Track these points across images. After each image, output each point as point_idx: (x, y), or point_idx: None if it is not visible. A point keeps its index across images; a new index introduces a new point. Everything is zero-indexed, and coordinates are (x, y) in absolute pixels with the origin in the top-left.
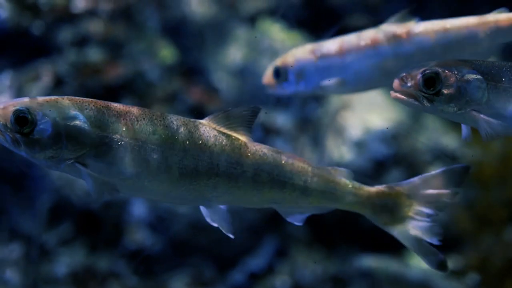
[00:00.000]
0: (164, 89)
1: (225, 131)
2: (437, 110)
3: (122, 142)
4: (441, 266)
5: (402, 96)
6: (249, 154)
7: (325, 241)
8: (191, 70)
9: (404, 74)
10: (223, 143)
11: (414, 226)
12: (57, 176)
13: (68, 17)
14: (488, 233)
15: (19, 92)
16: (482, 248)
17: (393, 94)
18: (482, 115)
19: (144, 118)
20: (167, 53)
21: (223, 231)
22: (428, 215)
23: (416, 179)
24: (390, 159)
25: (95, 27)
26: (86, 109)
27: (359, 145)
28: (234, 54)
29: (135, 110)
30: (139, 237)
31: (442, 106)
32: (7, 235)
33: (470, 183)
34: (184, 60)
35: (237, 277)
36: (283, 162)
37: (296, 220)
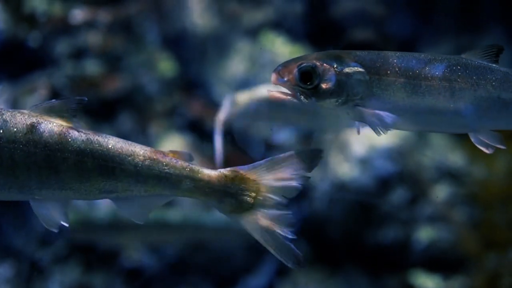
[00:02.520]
0: (163, 103)
1: (47, 118)
2: (317, 105)
3: None
4: (297, 262)
5: (278, 95)
6: (69, 140)
7: (328, 260)
8: (191, 83)
9: (281, 68)
10: (41, 130)
11: (263, 215)
12: None
13: (66, 28)
14: (493, 254)
15: (14, 105)
16: (488, 269)
17: (270, 93)
18: (367, 110)
19: None
20: (166, 66)
21: (46, 226)
22: (278, 203)
23: (263, 162)
24: (395, 177)
25: (93, 39)
26: None
27: (363, 162)
28: (236, 67)
29: None
30: (136, 255)
31: (321, 101)
32: None
33: (476, 202)
34: (184, 73)
35: None
36: (110, 146)
37: (138, 218)
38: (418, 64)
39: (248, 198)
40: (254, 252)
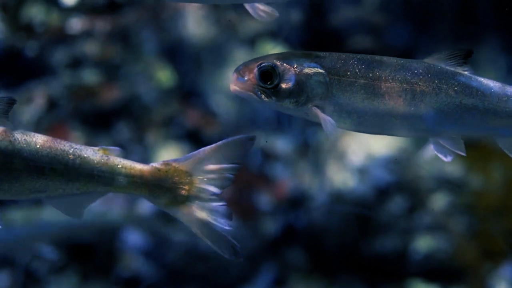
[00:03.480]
0: (160, 113)
1: None
2: (277, 105)
3: None
4: (234, 253)
5: (240, 90)
6: None
7: (325, 269)
8: (188, 93)
9: (241, 67)
10: None
11: (199, 207)
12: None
13: (63, 38)
14: (491, 264)
15: (11, 115)
16: (484, 280)
17: (232, 87)
18: (320, 112)
19: None
20: (164, 75)
21: None
22: (213, 194)
23: (195, 153)
24: (393, 186)
25: (90, 48)
26: None
27: (361, 171)
28: None
29: None
30: (133, 264)
31: (281, 101)
32: None
33: (473, 212)
34: (181, 83)
35: None
36: (38, 146)
37: (73, 215)
38: (378, 66)
39: (183, 191)
40: (252, 261)
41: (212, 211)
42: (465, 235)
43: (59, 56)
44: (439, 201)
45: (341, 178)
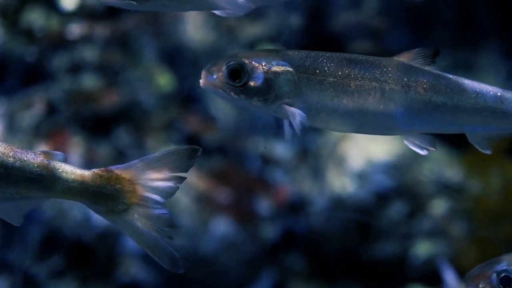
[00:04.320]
0: (160, 118)
1: None
2: (245, 103)
3: None
4: (174, 265)
5: (210, 84)
6: None
7: (325, 275)
8: (188, 98)
9: (210, 65)
10: None
11: (140, 215)
12: (48, 206)
13: (63, 43)
14: None
15: (10, 120)
16: None
17: (202, 82)
18: (290, 108)
19: None
20: (163, 80)
21: None
22: (155, 202)
23: (138, 161)
24: (392, 192)
25: (90, 54)
26: None
27: (361, 176)
28: None
29: None
30: (133, 269)
31: (250, 99)
32: None
33: (472, 218)
34: (181, 88)
35: None
36: None
37: (13, 220)
38: (348, 64)
39: (124, 199)
40: (251, 266)
41: (153, 220)
42: (465, 241)
43: (59, 61)
44: (439, 206)
45: (340, 183)
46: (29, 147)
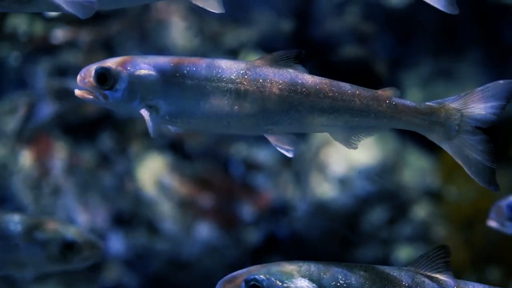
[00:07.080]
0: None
1: None
2: (112, 106)
3: None
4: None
5: (83, 94)
6: None
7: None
8: None
9: (83, 70)
10: None
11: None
12: (33, 208)
13: (47, 48)
14: (472, 274)
15: None
16: None
17: (76, 91)
18: (145, 115)
19: None
20: None
21: None
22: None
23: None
24: (374, 197)
25: (74, 58)
26: None
27: (343, 182)
28: None
29: None
30: (116, 274)
31: (117, 102)
32: None
33: (451, 223)
34: None
35: None
36: None
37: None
38: (207, 67)
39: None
40: (234, 270)
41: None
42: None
43: (43, 66)
44: (420, 210)
45: (323, 188)
46: (12, 151)
